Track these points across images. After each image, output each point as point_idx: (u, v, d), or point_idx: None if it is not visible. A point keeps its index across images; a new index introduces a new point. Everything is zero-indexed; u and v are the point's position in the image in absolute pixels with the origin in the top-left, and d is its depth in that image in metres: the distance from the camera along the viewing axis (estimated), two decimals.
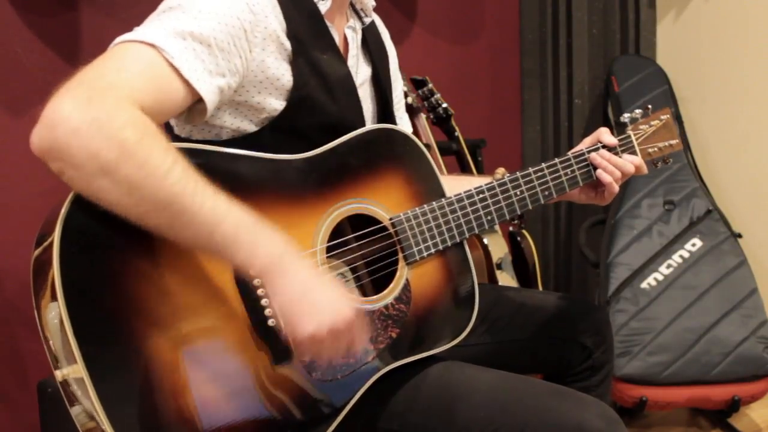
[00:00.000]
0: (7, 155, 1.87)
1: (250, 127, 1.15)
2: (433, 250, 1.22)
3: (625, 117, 1.45)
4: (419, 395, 1.17)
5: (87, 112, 0.90)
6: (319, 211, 1.14)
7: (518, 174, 1.31)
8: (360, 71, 1.30)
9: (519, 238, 2.39)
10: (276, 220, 1.09)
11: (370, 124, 1.29)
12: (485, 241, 2.22)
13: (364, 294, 1.20)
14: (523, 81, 2.87)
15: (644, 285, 2.22)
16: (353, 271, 1.22)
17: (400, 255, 1.20)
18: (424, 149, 1.26)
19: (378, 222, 1.20)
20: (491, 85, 2.86)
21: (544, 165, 1.33)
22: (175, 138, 1.19)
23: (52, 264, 0.91)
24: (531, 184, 1.31)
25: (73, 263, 0.92)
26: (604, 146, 1.38)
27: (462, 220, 1.25)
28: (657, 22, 2.70)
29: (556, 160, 1.34)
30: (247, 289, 1.04)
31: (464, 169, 2.38)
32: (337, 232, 1.16)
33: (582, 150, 1.38)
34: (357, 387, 1.13)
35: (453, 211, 1.25)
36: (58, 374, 0.96)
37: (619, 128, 1.45)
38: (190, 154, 1.03)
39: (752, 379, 2.10)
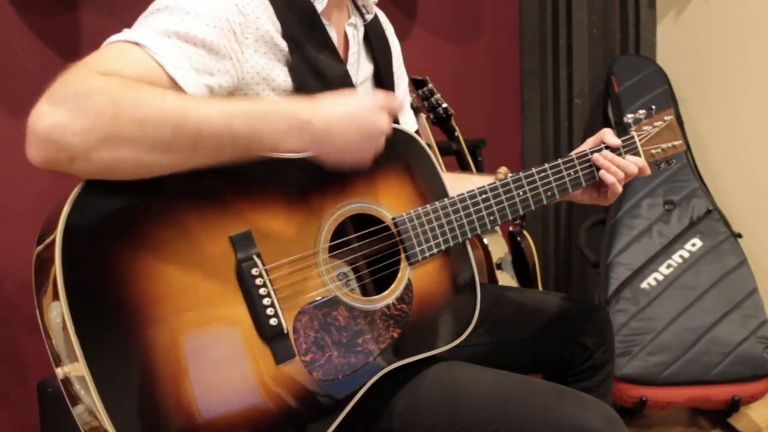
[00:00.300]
0: (7, 155, 1.87)
1: None
2: (435, 251, 1.22)
3: (629, 118, 1.45)
4: (420, 395, 1.17)
5: (66, 98, 0.90)
6: (321, 211, 1.14)
7: (521, 174, 1.31)
8: (361, 69, 1.30)
9: (519, 238, 2.39)
10: (278, 219, 1.09)
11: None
12: (485, 241, 2.22)
13: (366, 294, 1.20)
14: (523, 81, 2.87)
15: (644, 285, 2.22)
16: (355, 270, 1.22)
17: (402, 255, 1.20)
18: (427, 149, 1.26)
19: (380, 222, 1.20)
20: (491, 85, 2.86)
21: (547, 165, 1.33)
22: None
23: (54, 262, 0.91)
24: (534, 185, 1.31)
25: (75, 261, 0.92)
26: (607, 147, 1.38)
27: (464, 220, 1.25)
28: (657, 22, 2.71)
29: (560, 161, 1.34)
30: (248, 287, 1.04)
31: (464, 169, 2.38)
32: (339, 231, 1.16)
33: (585, 150, 1.38)
34: (358, 386, 1.12)
35: (456, 211, 1.24)
36: (60, 372, 0.96)
37: (619, 128, 1.45)
38: None
39: (752, 379, 2.10)
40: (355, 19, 1.29)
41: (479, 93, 2.83)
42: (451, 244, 1.23)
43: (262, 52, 1.11)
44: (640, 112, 1.45)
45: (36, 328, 0.99)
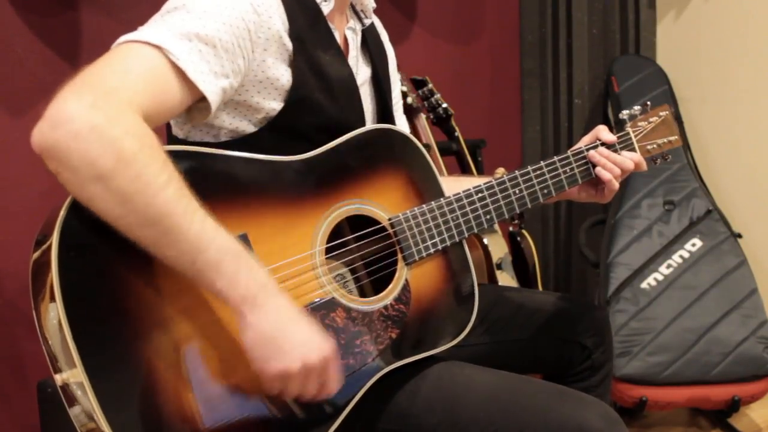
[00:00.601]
0: (7, 155, 1.87)
1: (249, 128, 1.15)
2: (432, 251, 1.22)
3: (624, 114, 1.45)
4: (419, 395, 1.17)
5: (89, 117, 0.89)
6: (318, 212, 1.14)
7: (517, 173, 1.31)
8: (360, 72, 1.30)
9: (519, 238, 2.39)
10: (275, 221, 1.09)
11: (369, 125, 1.29)
12: (485, 241, 2.22)
13: (364, 295, 1.20)
14: (523, 81, 2.87)
15: (644, 285, 2.22)
16: (352, 272, 1.22)
17: (399, 255, 1.20)
18: (423, 149, 1.26)
19: (377, 222, 1.20)
20: (491, 85, 2.86)
21: (543, 163, 1.33)
22: (173, 139, 1.19)
23: (50, 267, 0.91)
24: (530, 183, 1.31)
25: (71, 266, 0.92)
26: (602, 143, 1.38)
27: (461, 220, 1.25)
28: (657, 22, 2.70)
29: (555, 159, 1.34)
30: None
31: (464, 169, 2.38)
32: (336, 232, 1.16)
33: (581, 148, 1.38)
34: (357, 388, 1.12)
35: (452, 211, 1.25)
36: (58, 378, 0.95)
37: (618, 127, 1.45)
38: (188, 156, 1.04)
39: (752, 379, 2.10)
40: (354, 24, 1.30)
41: (479, 93, 2.83)
42: (448, 243, 1.24)
43: (271, 52, 1.12)
44: (635, 108, 1.45)
45: (37, 328, 0.99)
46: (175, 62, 0.99)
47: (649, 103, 1.46)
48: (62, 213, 0.93)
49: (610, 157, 1.36)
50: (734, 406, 2.09)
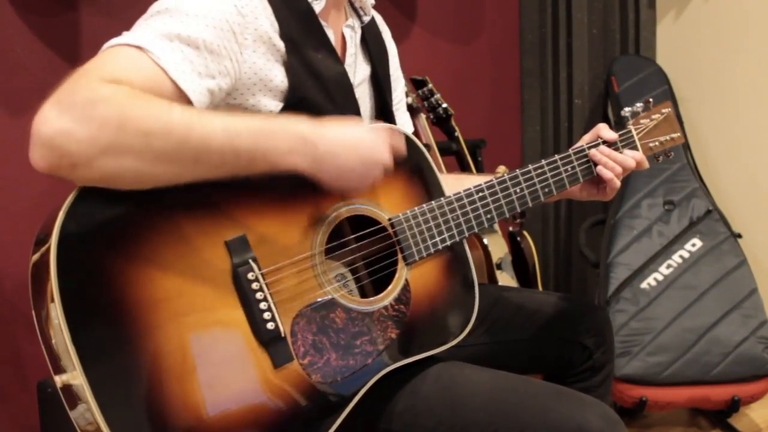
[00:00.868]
0: (7, 155, 1.87)
1: None
2: (432, 250, 1.22)
3: (626, 111, 1.44)
4: (419, 396, 1.17)
5: (72, 105, 0.89)
6: (317, 213, 1.13)
7: (518, 172, 1.30)
8: (358, 70, 1.30)
9: (519, 238, 2.39)
10: (274, 223, 1.09)
11: (368, 124, 1.28)
12: (485, 241, 2.22)
13: (364, 295, 1.20)
14: (523, 81, 2.87)
15: (644, 285, 2.22)
16: (353, 272, 1.22)
17: (399, 255, 1.20)
18: (424, 149, 1.26)
19: (377, 222, 1.20)
20: (491, 85, 2.86)
21: (544, 162, 1.33)
22: None
23: (49, 268, 0.91)
24: (531, 182, 1.31)
25: (70, 268, 0.92)
26: (604, 142, 1.38)
27: (461, 219, 1.25)
28: (657, 22, 2.70)
29: (556, 157, 1.34)
30: (245, 292, 1.04)
31: (464, 170, 2.38)
32: (336, 233, 1.16)
33: (582, 146, 1.37)
34: (357, 388, 1.12)
35: (452, 211, 1.24)
36: (58, 379, 0.95)
37: (618, 127, 1.45)
38: None
39: (752, 379, 2.10)
40: (353, 21, 1.29)
41: (479, 93, 2.83)
42: (449, 243, 1.23)
43: (261, 53, 1.11)
44: (638, 105, 1.44)
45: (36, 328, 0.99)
46: (156, 62, 0.99)
47: (651, 100, 1.45)
48: (61, 214, 0.93)
49: (611, 156, 1.35)
50: (734, 406, 2.09)
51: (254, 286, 1.04)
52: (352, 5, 1.32)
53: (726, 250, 2.27)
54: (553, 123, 2.82)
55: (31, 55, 1.90)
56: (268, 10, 1.12)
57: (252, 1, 1.10)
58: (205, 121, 0.96)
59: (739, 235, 2.33)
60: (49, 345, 0.95)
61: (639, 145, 1.41)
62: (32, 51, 1.91)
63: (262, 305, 1.04)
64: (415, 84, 2.37)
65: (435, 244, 1.22)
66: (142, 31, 1.02)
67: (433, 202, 1.23)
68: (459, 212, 1.25)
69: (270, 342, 1.05)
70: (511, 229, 2.42)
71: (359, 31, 1.31)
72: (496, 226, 2.26)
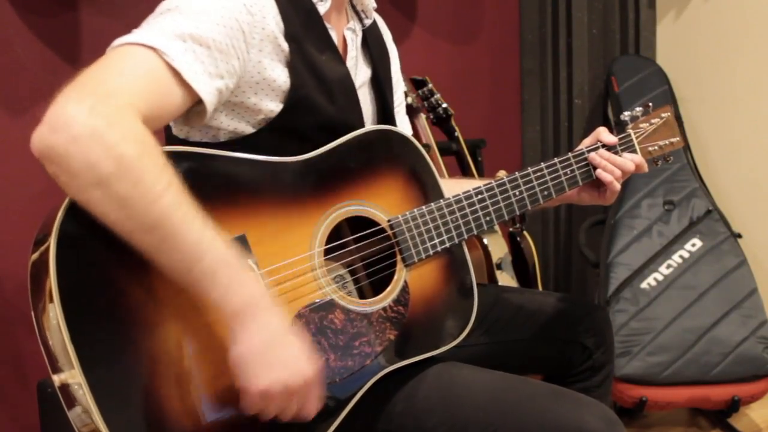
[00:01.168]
0: (7, 155, 1.87)
1: (248, 129, 1.15)
2: (431, 252, 1.22)
3: (626, 115, 1.44)
4: (418, 396, 1.17)
5: (89, 121, 0.89)
6: (317, 214, 1.14)
7: (517, 174, 1.31)
8: (359, 73, 1.30)
9: (519, 239, 2.39)
10: (274, 222, 1.09)
11: (369, 125, 1.29)
12: (485, 241, 2.22)
13: (363, 296, 1.20)
14: (523, 81, 2.87)
15: (644, 285, 2.22)
16: (352, 273, 1.22)
17: (399, 257, 1.20)
18: (423, 151, 1.26)
19: (376, 224, 1.20)
20: (491, 85, 2.86)
21: (543, 165, 1.33)
22: (173, 139, 1.19)
23: (48, 268, 0.91)
24: (530, 185, 1.31)
25: (69, 267, 0.92)
26: (604, 145, 1.38)
27: (460, 221, 1.25)
28: (657, 22, 2.70)
29: (556, 160, 1.34)
30: None
31: (464, 170, 2.38)
32: (335, 234, 1.16)
33: (582, 150, 1.38)
34: (356, 389, 1.13)
35: (451, 213, 1.24)
36: (56, 379, 0.96)
37: (618, 128, 1.45)
38: (187, 157, 1.04)
39: (752, 379, 2.10)
40: (354, 24, 1.29)
41: (479, 93, 2.83)
42: (447, 245, 1.23)
43: (266, 52, 1.11)
44: (637, 109, 1.44)
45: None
46: (170, 63, 0.99)
47: (651, 104, 1.46)
48: (60, 213, 0.93)
49: (610, 159, 1.36)
50: (734, 406, 2.09)
51: None
52: (353, 8, 1.32)
53: (726, 250, 2.27)
54: (553, 123, 2.82)
55: (31, 56, 1.90)
56: (275, 10, 1.12)
57: (260, 1, 1.10)
58: (186, 222, 0.93)
59: (739, 235, 2.33)
60: (47, 344, 0.95)
61: (638, 150, 1.41)
62: (32, 51, 1.91)
63: None
64: (415, 84, 2.37)
65: (434, 246, 1.22)
66: (153, 30, 1.02)
67: (432, 204, 1.23)
68: (458, 214, 1.25)
69: None
70: (511, 229, 2.42)
71: (360, 34, 1.31)
72: (496, 227, 2.26)
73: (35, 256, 0.96)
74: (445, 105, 2.35)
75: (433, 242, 1.22)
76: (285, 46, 1.13)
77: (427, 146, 2.12)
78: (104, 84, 0.95)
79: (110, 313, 0.95)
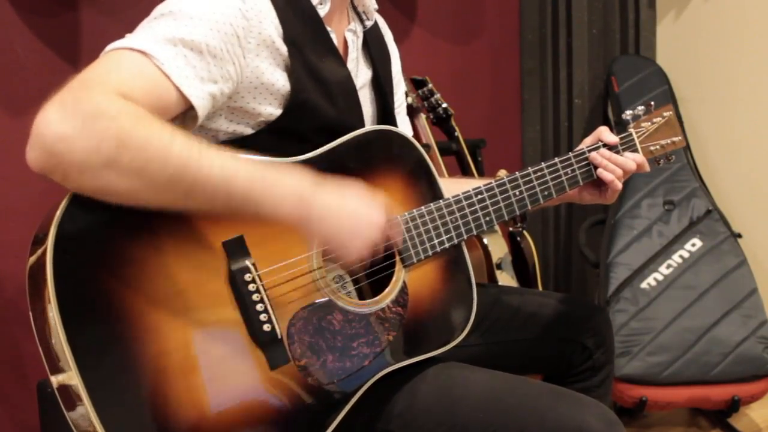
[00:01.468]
0: (7, 155, 1.87)
1: (247, 131, 1.15)
2: (430, 252, 1.22)
3: (627, 114, 1.44)
4: (417, 396, 1.17)
5: (76, 114, 0.89)
6: None
7: (517, 174, 1.30)
8: (360, 74, 1.30)
9: (519, 238, 2.39)
10: (272, 224, 1.09)
11: (368, 126, 1.28)
12: (485, 241, 2.22)
13: (362, 297, 1.20)
14: (523, 81, 2.87)
15: (644, 285, 2.22)
16: (350, 273, 1.22)
17: (397, 257, 1.20)
18: (423, 151, 1.26)
19: None
20: (491, 85, 2.85)
21: (543, 164, 1.33)
22: None
23: (46, 269, 0.91)
24: (530, 184, 1.31)
25: (67, 268, 0.92)
26: (605, 145, 1.37)
27: (460, 222, 1.25)
28: (657, 22, 2.70)
29: (556, 160, 1.34)
30: (241, 293, 1.04)
31: (464, 169, 2.38)
32: None
33: (583, 149, 1.37)
34: (354, 390, 1.12)
35: (451, 213, 1.24)
36: (54, 380, 0.96)
37: (619, 128, 1.45)
38: None
39: (752, 379, 2.10)
40: (355, 25, 1.29)
41: (479, 93, 2.83)
42: (447, 245, 1.23)
43: (264, 57, 1.11)
44: (639, 108, 1.44)
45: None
46: (160, 67, 0.99)
47: (652, 103, 1.45)
48: (58, 214, 0.93)
49: (611, 158, 1.35)
50: (734, 406, 2.09)
51: (251, 287, 1.04)
52: (354, 9, 1.32)
53: (726, 250, 2.27)
54: (553, 123, 2.82)
55: (31, 55, 1.90)
56: (273, 14, 1.11)
57: (257, 5, 1.09)
58: (204, 158, 0.96)
59: (739, 235, 2.33)
60: (45, 345, 0.95)
61: (640, 149, 1.41)
62: (32, 51, 1.91)
63: (259, 307, 1.04)
64: (415, 84, 2.37)
65: (433, 247, 1.22)
66: (145, 34, 1.02)
67: (431, 204, 1.23)
68: (458, 215, 1.25)
69: (266, 343, 1.05)
70: (511, 229, 2.42)
71: (361, 35, 1.30)
72: (497, 227, 2.26)
73: (33, 257, 0.96)
74: (445, 105, 2.35)
75: (432, 243, 1.22)
76: (284, 50, 1.13)
77: (427, 146, 2.12)
78: (90, 80, 0.95)
79: (108, 314, 0.95)
